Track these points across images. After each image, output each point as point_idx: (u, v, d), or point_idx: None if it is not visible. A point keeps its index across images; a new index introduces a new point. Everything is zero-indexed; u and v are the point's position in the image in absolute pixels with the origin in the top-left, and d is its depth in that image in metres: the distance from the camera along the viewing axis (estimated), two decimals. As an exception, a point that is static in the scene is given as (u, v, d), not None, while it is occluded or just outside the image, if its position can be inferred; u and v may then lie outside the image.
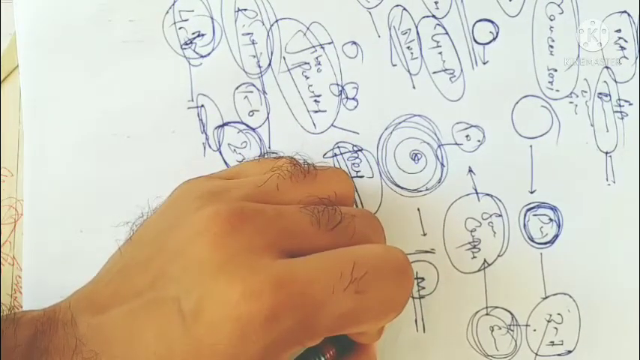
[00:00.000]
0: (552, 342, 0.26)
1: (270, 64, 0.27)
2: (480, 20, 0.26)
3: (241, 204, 0.20)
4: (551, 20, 0.26)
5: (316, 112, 0.27)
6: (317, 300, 0.18)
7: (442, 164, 0.26)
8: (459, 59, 0.26)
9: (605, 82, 0.26)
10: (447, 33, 0.26)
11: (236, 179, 0.23)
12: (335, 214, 0.21)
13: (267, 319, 0.17)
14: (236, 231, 0.19)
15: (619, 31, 0.25)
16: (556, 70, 0.26)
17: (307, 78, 0.27)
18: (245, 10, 0.27)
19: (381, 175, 0.27)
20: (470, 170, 0.26)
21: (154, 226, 0.22)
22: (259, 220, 0.20)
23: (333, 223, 0.21)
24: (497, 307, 0.26)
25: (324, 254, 0.20)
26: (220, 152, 0.27)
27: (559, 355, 0.26)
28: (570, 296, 0.26)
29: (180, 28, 0.27)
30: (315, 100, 0.27)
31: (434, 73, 0.26)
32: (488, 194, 0.26)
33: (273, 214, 0.20)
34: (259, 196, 0.21)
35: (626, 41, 0.25)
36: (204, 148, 0.27)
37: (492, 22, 0.26)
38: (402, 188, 0.26)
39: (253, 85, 0.27)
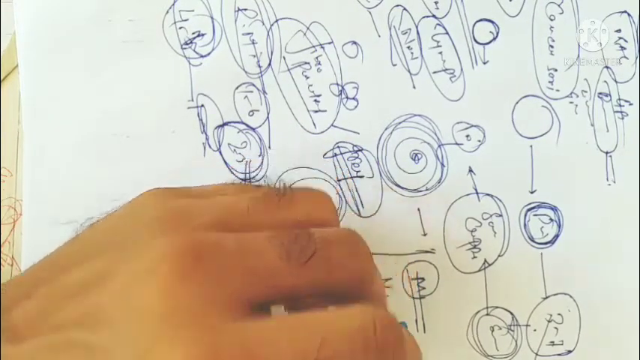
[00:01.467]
0: (552, 342, 0.26)
1: (270, 64, 0.27)
2: (480, 20, 0.26)
3: (201, 237, 0.17)
4: (552, 20, 0.26)
5: (316, 111, 0.27)
6: None
7: (442, 164, 0.26)
8: (459, 59, 0.26)
9: (605, 82, 0.26)
10: (447, 33, 0.26)
11: (206, 199, 0.20)
12: (309, 242, 0.18)
13: None
14: (189, 277, 0.16)
15: (619, 31, 0.25)
16: (556, 70, 0.26)
17: (307, 78, 0.27)
18: (245, 9, 0.27)
19: (381, 175, 0.27)
20: (470, 170, 0.26)
21: (102, 238, 0.19)
22: (219, 261, 0.17)
23: (305, 254, 0.18)
24: (497, 307, 0.26)
25: (288, 320, 0.17)
26: (220, 152, 0.27)
27: (559, 355, 0.26)
28: (570, 296, 0.26)
29: (180, 28, 0.27)
30: (315, 100, 0.27)
31: (434, 72, 0.26)
32: (488, 194, 0.26)
33: (236, 250, 0.17)
34: (227, 219, 0.19)
35: (626, 41, 0.26)
36: (204, 148, 0.27)
37: (492, 22, 0.26)
38: (402, 188, 0.26)
39: (253, 85, 0.27)
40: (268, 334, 0.16)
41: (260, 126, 0.27)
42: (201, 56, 0.27)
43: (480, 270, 0.26)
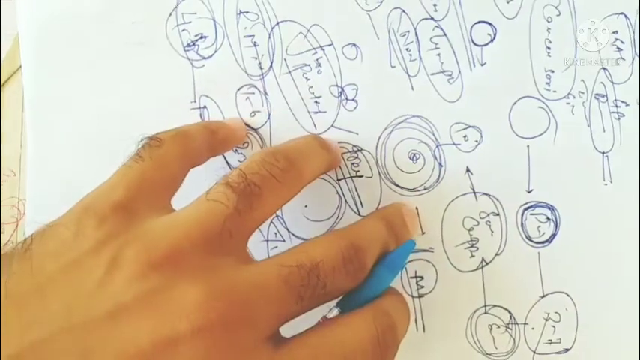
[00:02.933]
0: (550, 340, 0.26)
1: (271, 66, 0.27)
2: (478, 22, 0.26)
3: (228, 285, 0.18)
4: (549, 22, 0.26)
5: (316, 112, 0.27)
6: None
7: (440, 164, 0.26)
8: (457, 61, 0.26)
9: (602, 83, 0.26)
10: (445, 35, 0.26)
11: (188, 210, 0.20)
12: (318, 282, 0.19)
13: None
14: (228, 329, 0.17)
15: (616, 32, 0.26)
16: (553, 72, 0.26)
17: (308, 79, 0.27)
18: (247, 12, 0.27)
19: (380, 174, 0.27)
20: (467, 170, 0.26)
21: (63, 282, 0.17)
22: (250, 308, 0.18)
23: (317, 297, 0.19)
24: (495, 306, 0.26)
25: (312, 345, 0.19)
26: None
27: (557, 352, 0.26)
28: (568, 295, 0.26)
29: (182, 31, 0.27)
30: (316, 101, 0.27)
31: (432, 74, 0.26)
32: (485, 194, 0.26)
33: (258, 296, 0.18)
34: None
35: (622, 42, 0.26)
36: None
37: (490, 24, 0.26)
38: (400, 188, 0.27)
39: (255, 87, 0.27)
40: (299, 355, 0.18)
41: (261, 127, 0.27)
42: (204, 58, 0.27)
43: (477, 268, 0.26)
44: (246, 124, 0.27)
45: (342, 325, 0.20)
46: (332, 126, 0.27)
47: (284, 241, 0.27)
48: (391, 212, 0.25)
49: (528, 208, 0.26)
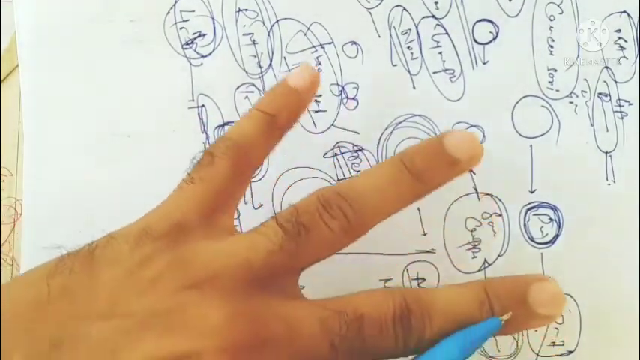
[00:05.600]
0: (553, 342, 0.26)
1: (270, 64, 0.27)
2: (480, 20, 0.26)
3: (258, 313, 0.18)
4: (551, 20, 0.26)
5: (316, 111, 0.27)
6: None
7: (442, 164, 0.26)
8: (459, 59, 0.26)
9: (604, 82, 0.26)
10: (447, 33, 0.26)
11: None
12: (358, 334, 0.18)
13: None
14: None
15: (619, 31, 0.26)
16: (556, 70, 0.26)
17: (308, 78, 0.27)
18: (246, 10, 0.27)
19: (381, 174, 0.27)
20: (470, 170, 0.26)
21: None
22: (275, 338, 0.18)
23: (352, 348, 0.18)
24: (497, 307, 0.26)
25: None
26: (221, 152, 0.27)
27: (560, 355, 0.26)
28: (571, 296, 0.26)
29: (181, 29, 0.27)
30: (316, 100, 0.27)
31: (434, 73, 0.26)
32: (488, 194, 0.26)
33: (287, 329, 0.18)
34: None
35: (625, 41, 0.26)
36: (205, 147, 0.27)
37: (492, 22, 0.26)
38: (402, 188, 0.26)
39: (254, 85, 0.27)
40: None
41: (260, 126, 0.27)
42: (202, 56, 0.27)
43: (480, 270, 0.26)
44: None
45: None
46: (332, 125, 0.27)
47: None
48: (500, 284, 0.20)
49: (531, 208, 0.26)
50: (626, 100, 0.26)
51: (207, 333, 0.17)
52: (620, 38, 0.26)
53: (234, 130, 0.22)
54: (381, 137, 0.26)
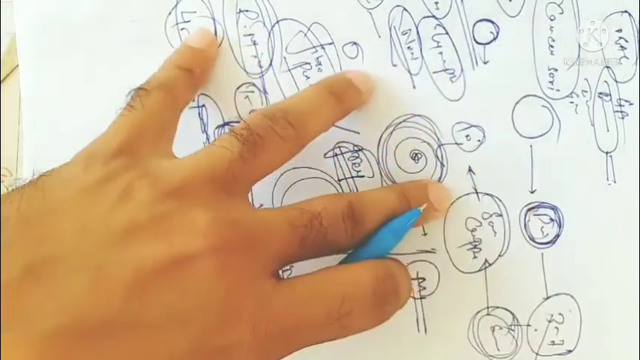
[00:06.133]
0: (553, 341, 0.26)
1: (271, 64, 0.27)
2: (480, 20, 0.26)
3: (237, 216, 0.19)
4: (552, 20, 0.26)
5: (317, 112, 0.27)
6: (301, 331, 0.19)
7: (442, 164, 0.26)
8: (459, 59, 0.26)
9: (605, 81, 0.26)
10: (447, 33, 0.26)
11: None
12: (320, 228, 0.21)
13: None
14: (236, 255, 0.19)
15: (620, 30, 0.25)
16: (556, 70, 0.26)
17: (308, 78, 0.27)
18: (247, 11, 0.27)
19: (381, 174, 0.27)
20: (470, 170, 0.26)
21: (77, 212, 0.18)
22: (256, 239, 0.19)
23: (317, 241, 0.21)
24: (498, 307, 0.26)
25: (314, 284, 0.20)
26: (221, 152, 0.27)
27: (560, 354, 0.26)
28: (571, 296, 0.26)
29: (182, 29, 0.27)
30: (316, 100, 0.27)
31: (434, 73, 0.26)
32: (488, 194, 0.26)
33: (264, 230, 0.20)
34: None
35: (626, 41, 0.25)
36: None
37: (492, 22, 0.26)
38: (402, 188, 0.26)
39: (254, 85, 0.27)
40: (301, 296, 0.19)
41: (261, 126, 0.27)
42: (202, 56, 0.27)
43: (480, 270, 0.26)
44: None
45: (344, 270, 0.21)
46: (332, 124, 0.27)
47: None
48: (410, 187, 0.25)
49: (532, 208, 0.26)
50: (626, 100, 0.26)
51: (200, 235, 0.18)
52: (620, 38, 0.25)
53: (159, 75, 0.24)
54: (381, 137, 0.26)
